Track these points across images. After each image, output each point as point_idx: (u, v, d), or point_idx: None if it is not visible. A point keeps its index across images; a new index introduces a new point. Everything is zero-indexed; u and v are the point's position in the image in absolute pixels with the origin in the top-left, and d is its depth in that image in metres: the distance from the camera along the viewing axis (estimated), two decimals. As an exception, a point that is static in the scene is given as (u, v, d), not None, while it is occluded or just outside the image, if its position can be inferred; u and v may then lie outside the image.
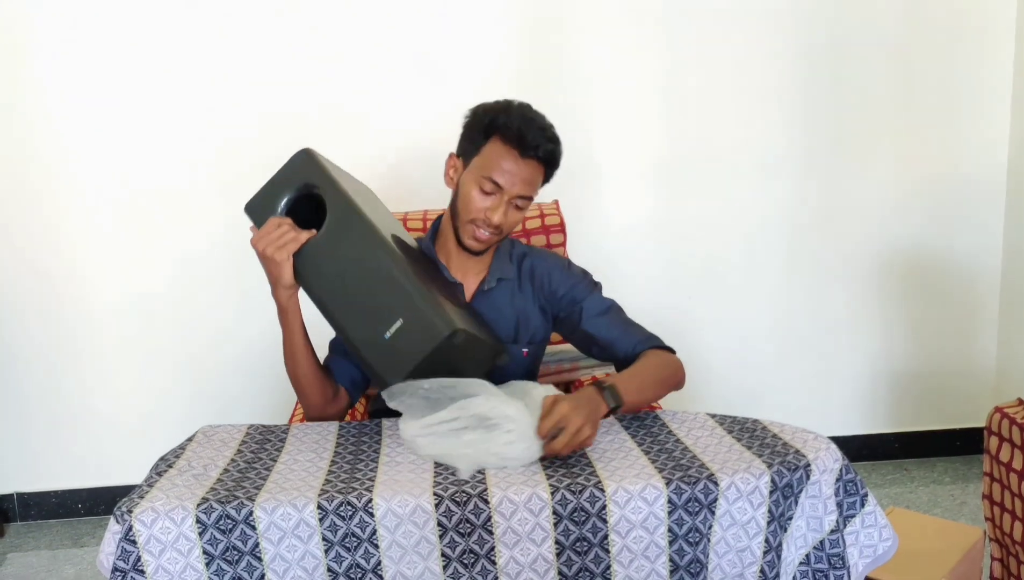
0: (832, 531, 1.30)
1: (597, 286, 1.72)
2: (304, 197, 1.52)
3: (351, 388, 1.63)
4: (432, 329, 1.38)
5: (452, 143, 1.65)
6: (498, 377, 1.51)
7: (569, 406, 1.31)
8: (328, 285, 1.46)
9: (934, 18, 2.76)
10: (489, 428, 1.31)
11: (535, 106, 1.61)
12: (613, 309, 1.68)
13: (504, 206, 1.55)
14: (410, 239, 1.68)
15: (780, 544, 1.27)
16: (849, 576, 1.31)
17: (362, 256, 1.45)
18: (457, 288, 1.67)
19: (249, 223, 1.54)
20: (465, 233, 1.59)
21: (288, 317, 1.51)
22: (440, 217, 1.71)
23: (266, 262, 1.46)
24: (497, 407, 1.32)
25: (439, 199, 1.80)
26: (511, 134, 1.53)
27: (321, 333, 1.60)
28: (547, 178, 1.61)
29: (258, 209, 1.53)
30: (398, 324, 1.39)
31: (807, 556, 1.31)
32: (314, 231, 1.48)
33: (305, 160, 1.54)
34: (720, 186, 2.78)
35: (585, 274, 1.73)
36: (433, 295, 1.43)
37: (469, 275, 1.68)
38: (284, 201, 1.52)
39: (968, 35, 2.78)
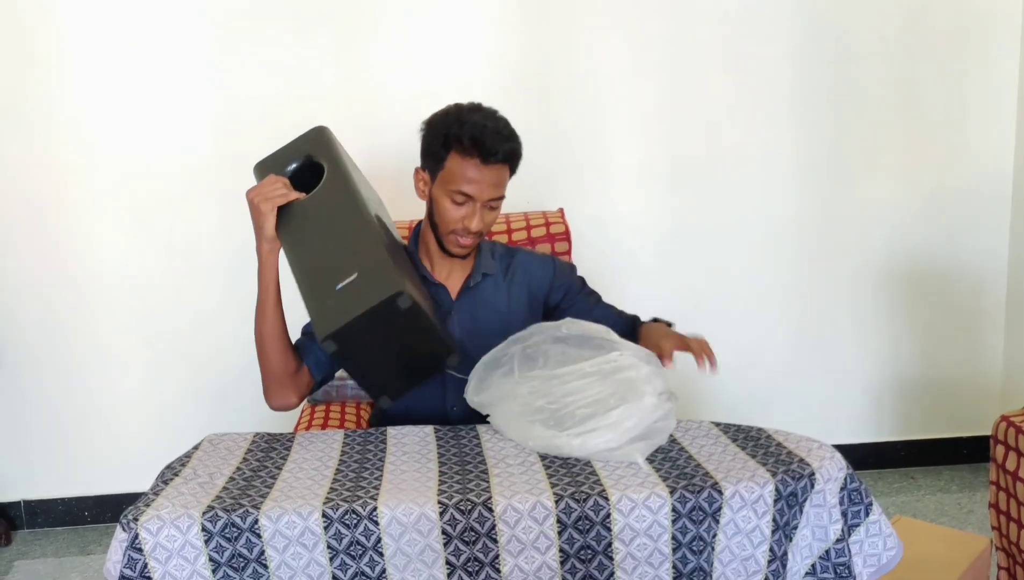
0: (837, 540, 1.30)
1: (583, 278, 1.82)
2: (311, 173, 1.57)
3: (315, 369, 1.64)
4: (379, 286, 1.39)
5: None
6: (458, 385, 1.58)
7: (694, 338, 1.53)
8: (302, 240, 1.50)
9: (939, 28, 2.76)
10: (636, 396, 1.33)
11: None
12: (601, 297, 1.81)
13: (478, 212, 1.61)
14: (398, 237, 1.73)
15: (785, 553, 1.27)
16: (856, 586, 1.31)
17: (339, 218, 1.50)
18: (439, 289, 1.71)
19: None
20: (449, 243, 1.65)
21: (265, 272, 1.56)
22: (419, 224, 1.76)
23: (253, 211, 1.53)
24: (637, 366, 1.36)
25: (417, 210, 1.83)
26: (468, 146, 1.56)
27: (296, 323, 1.65)
28: (513, 171, 1.65)
29: (266, 171, 1.59)
30: (352, 277, 1.41)
31: (813, 566, 1.30)
32: (305, 194, 1.54)
33: (318, 134, 1.62)
34: (727, 194, 2.78)
35: (573, 266, 1.86)
36: (395, 264, 1.45)
37: (454, 274, 1.72)
38: (289, 167, 1.59)
39: (973, 44, 2.78)
